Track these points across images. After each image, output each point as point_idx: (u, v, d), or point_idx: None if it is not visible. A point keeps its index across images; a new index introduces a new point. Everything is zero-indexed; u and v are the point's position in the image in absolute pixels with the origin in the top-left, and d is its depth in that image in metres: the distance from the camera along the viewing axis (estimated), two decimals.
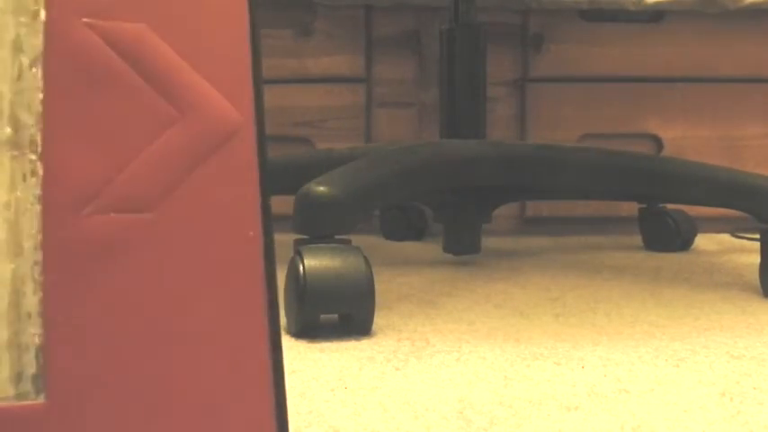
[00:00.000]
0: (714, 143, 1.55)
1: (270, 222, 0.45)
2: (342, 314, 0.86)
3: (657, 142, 1.54)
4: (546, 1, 1.49)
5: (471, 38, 1.23)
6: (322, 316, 0.84)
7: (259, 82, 0.47)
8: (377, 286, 0.86)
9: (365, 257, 0.85)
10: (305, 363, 0.75)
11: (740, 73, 1.54)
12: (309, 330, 0.83)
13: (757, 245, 1.04)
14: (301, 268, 0.83)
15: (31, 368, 0.40)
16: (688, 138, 1.54)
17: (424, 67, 1.51)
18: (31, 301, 0.40)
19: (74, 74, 0.44)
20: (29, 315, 0.40)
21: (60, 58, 0.43)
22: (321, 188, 0.90)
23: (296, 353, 0.78)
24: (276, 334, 0.45)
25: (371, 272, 0.85)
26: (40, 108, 0.42)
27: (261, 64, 0.47)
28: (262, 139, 0.46)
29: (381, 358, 0.77)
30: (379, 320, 0.88)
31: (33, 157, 0.41)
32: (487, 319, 0.91)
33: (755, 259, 1.05)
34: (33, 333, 0.40)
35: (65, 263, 0.41)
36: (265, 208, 0.45)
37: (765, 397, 0.67)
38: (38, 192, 0.41)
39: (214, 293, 0.44)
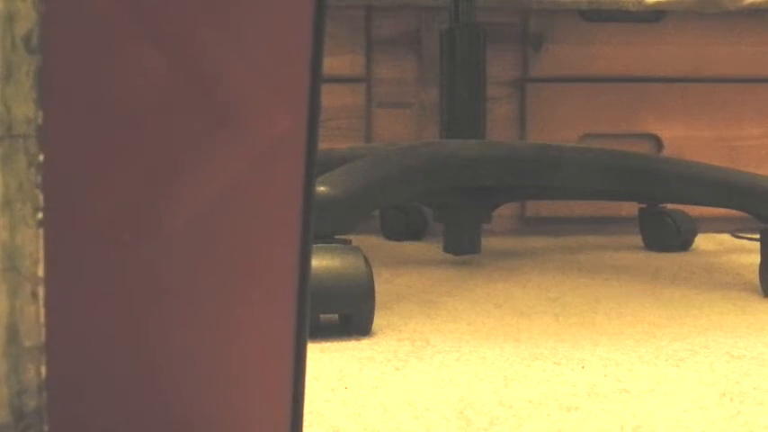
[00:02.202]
0: (714, 143, 1.55)
1: (309, 234, 0.42)
2: (342, 314, 0.86)
3: (657, 142, 1.54)
4: (546, 1, 1.49)
5: (471, 38, 1.23)
6: (322, 316, 0.84)
7: (317, 85, 0.41)
8: (377, 286, 0.86)
9: (365, 257, 0.85)
10: None
11: (740, 73, 1.54)
12: (309, 330, 0.83)
13: (757, 245, 1.04)
14: None
15: (31, 403, 0.36)
16: (688, 138, 1.54)
17: (424, 67, 1.51)
18: (32, 330, 0.36)
19: (85, 52, 0.36)
20: (28, 346, 0.36)
21: (67, 30, 0.35)
22: (321, 188, 0.90)
23: None
24: (303, 341, 0.43)
25: (371, 272, 0.85)
26: (38, 104, 0.34)
27: (321, 64, 0.40)
28: (312, 147, 0.41)
29: (381, 358, 0.77)
30: (379, 320, 0.88)
31: (32, 158, 0.34)
32: (487, 319, 0.91)
33: (755, 259, 1.05)
34: (34, 366, 0.36)
35: (70, 288, 0.37)
36: (306, 223, 0.42)
37: (765, 397, 0.67)
38: (39, 215, 0.35)
39: (245, 303, 0.41)
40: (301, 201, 0.41)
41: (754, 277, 1.06)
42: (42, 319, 0.36)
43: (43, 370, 0.36)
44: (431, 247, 1.39)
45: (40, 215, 0.35)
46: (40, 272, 0.35)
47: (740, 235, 1.36)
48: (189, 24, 0.38)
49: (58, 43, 0.35)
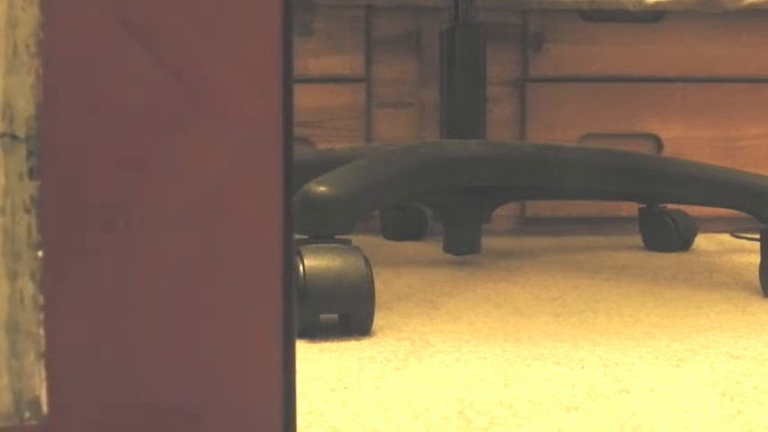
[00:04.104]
0: (713, 143, 1.55)
1: (291, 225, 0.42)
2: (342, 314, 0.85)
3: (657, 142, 1.54)
4: (546, 1, 1.49)
5: (471, 38, 1.23)
6: (322, 316, 0.84)
7: (289, 78, 0.41)
8: (377, 286, 0.86)
9: (365, 257, 0.85)
10: (305, 363, 0.75)
11: (740, 73, 1.54)
12: (309, 330, 0.83)
13: (757, 245, 1.04)
14: (301, 268, 0.83)
15: (31, 386, 0.37)
16: (688, 138, 1.54)
17: (424, 67, 1.51)
18: (31, 315, 0.37)
19: (78, 55, 0.38)
20: (28, 330, 0.37)
21: (63, 35, 0.37)
22: (321, 188, 0.90)
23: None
24: (291, 340, 0.44)
25: (371, 272, 0.85)
26: (38, 96, 0.37)
27: (292, 58, 0.41)
28: (288, 139, 0.42)
29: (381, 358, 0.77)
30: (379, 320, 0.88)
31: (31, 153, 0.37)
32: (487, 319, 0.91)
33: (755, 259, 1.05)
34: (34, 348, 0.37)
35: (67, 273, 0.38)
36: (287, 213, 0.42)
37: (765, 397, 0.67)
38: (36, 194, 0.37)
39: (231, 295, 0.42)
40: (281, 193, 0.42)
41: (754, 277, 1.06)
42: (41, 303, 0.36)
43: (42, 354, 0.36)
44: (431, 247, 1.39)
45: (39, 204, 0.36)
46: (39, 256, 0.36)
47: (740, 235, 1.36)
48: (169, 24, 0.39)
49: (54, 46, 0.37)
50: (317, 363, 0.75)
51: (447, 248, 1.23)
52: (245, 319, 0.42)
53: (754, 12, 1.53)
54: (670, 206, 1.38)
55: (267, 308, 0.43)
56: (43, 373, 0.37)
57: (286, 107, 0.42)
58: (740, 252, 1.33)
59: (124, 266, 0.40)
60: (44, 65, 0.37)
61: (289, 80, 0.42)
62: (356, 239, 0.90)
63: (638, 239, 1.41)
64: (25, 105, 0.37)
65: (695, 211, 1.37)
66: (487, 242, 1.29)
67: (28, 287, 0.37)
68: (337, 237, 0.88)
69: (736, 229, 1.40)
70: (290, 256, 0.43)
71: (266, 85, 0.41)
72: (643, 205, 1.40)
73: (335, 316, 0.86)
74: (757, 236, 1.04)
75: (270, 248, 0.42)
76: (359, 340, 0.83)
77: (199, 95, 0.40)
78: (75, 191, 0.39)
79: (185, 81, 0.40)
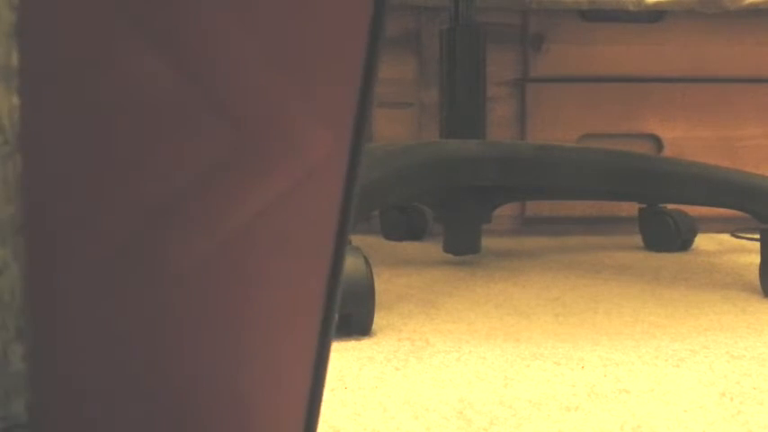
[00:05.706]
0: (714, 143, 1.55)
1: (341, 264, 0.39)
2: (342, 314, 0.85)
3: (657, 142, 1.54)
4: (546, 1, 1.49)
5: (471, 38, 1.23)
6: None
7: (365, 109, 0.35)
8: (377, 286, 0.86)
9: (365, 257, 0.85)
10: None
11: (740, 73, 1.54)
12: None
13: (757, 245, 1.04)
14: None
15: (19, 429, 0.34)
16: (688, 138, 1.54)
17: (424, 67, 1.51)
18: (17, 353, 0.34)
19: (68, 54, 0.31)
20: (16, 370, 0.33)
21: (46, 25, 0.30)
22: None
23: None
24: (323, 364, 0.42)
25: (371, 272, 0.85)
26: (18, 111, 0.29)
27: (374, 84, 0.35)
28: (353, 174, 0.36)
29: (381, 358, 0.77)
30: (379, 320, 0.88)
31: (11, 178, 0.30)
32: (487, 319, 0.91)
33: (755, 259, 1.05)
34: (22, 391, 0.34)
35: (57, 318, 0.34)
36: (339, 252, 0.38)
37: (765, 397, 0.67)
38: (21, 242, 0.31)
39: (279, 337, 0.40)
40: (336, 228, 0.37)
41: (754, 277, 1.06)
42: (29, 342, 0.33)
43: (32, 400, 0.33)
44: (431, 247, 1.39)
45: (23, 228, 0.31)
46: (24, 303, 0.33)
47: (740, 235, 1.36)
48: (200, 29, 0.33)
49: (38, 40, 0.31)
50: None
51: (447, 248, 1.23)
52: (282, 354, 0.41)
53: (754, 12, 1.53)
54: (670, 206, 1.38)
55: (305, 347, 0.41)
56: (35, 422, 0.34)
57: (356, 141, 0.36)
58: (740, 252, 1.33)
59: (141, 304, 0.36)
60: (27, 62, 0.30)
61: (365, 112, 0.36)
62: (356, 239, 0.90)
63: (638, 239, 1.41)
64: (6, 121, 0.30)
65: (695, 211, 1.37)
66: (487, 242, 1.29)
67: (13, 338, 0.34)
68: None
69: (736, 229, 1.40)
70: (335, 295, 0.40)
71: (337, 114, 0.35)
72: (643, 205, 1.40)
73: (335, 316, 0.86)
74: (757, 236, 1.04)
75: (315, 286, 0.40)
76: (359, 340, 0.83)
77: (251, 124, 0.34)
78: (73, 234, 0.33)
79: (228, 103, 0.33)
